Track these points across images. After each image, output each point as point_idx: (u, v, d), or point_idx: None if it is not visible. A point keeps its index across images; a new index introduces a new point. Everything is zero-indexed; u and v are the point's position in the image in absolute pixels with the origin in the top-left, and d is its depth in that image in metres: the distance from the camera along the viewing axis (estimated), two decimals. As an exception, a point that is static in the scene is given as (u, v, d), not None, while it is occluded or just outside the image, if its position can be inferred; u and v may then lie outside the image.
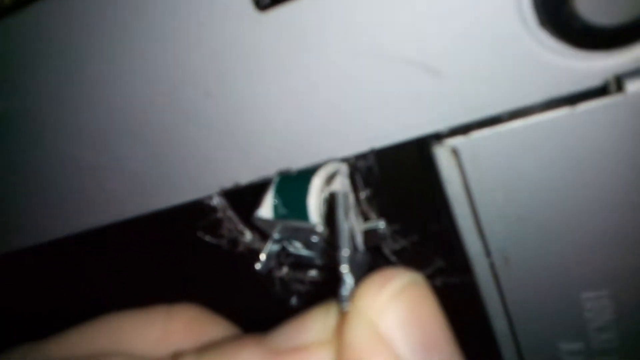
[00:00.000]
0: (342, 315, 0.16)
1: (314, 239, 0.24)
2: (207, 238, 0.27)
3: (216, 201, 0.26)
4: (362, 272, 0.18)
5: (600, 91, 0.20)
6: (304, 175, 0.25)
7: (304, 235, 0.24)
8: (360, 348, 0.14)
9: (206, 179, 0.24)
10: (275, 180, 0.26)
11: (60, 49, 0.22)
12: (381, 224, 0.24)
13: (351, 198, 0.25)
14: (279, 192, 0.25)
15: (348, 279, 0.17)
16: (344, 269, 0.17)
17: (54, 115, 0.24)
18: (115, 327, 0.20)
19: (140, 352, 0.20)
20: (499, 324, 0.27)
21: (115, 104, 0.23)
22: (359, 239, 0.23)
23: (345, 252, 0.19)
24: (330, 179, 0.25)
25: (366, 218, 0.25)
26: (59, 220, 0.27)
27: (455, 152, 0.22)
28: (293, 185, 0.25)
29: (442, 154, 0.22)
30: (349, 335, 0.15)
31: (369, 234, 0.25)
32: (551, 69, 0.20)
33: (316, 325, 0.17)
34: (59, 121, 0.24)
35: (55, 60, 0.22)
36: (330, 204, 0.23)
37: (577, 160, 0.22)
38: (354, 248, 0.21)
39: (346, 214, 0.21)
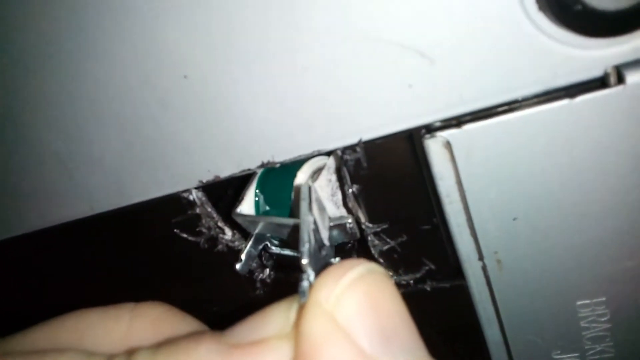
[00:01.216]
0: (301, 308, 0.15)
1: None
2: (184, 235, 0.25)
3: (194, 195, 0.24)
4: (326, 266, 0.17)
5: (600, 82, 0.20)
6: (288, 170, 0.24)
7: (288, 232, 0.23)
8: (316, 339, 0.14)
9: (184, 171, 0.23)
10: (258, 174, 0.24)
11: (27, 27, 0.21)
12: (349, 221, 0.23)
13: (317, 192, 0.23)
14: (261, 187, 0.24)
15: (307, 272, 0.16)
16: (304, 262, 0.17)
17: (18, 98, 0.22)
18: (80, 323, 0.19)
19: (103, 349, 0.18)
20: (491, 332, 0.26)
21: (86, 86, 0.21)
22: (325, 234, 0.21)
23: (305, 246, 0.18)
24: (315, 174, 0.24)
25: (353, 215, 0.24)
26: (22, 214, 0.25)
27: (448, 146, 0.21)
28: (276, 180, 0.24)
29: (434, 147, 0.21)
30: (305, 326, 0.14)
31: (337, 230, 0.23)
32: (550, 57, 0.19)
33: (276, 319, 0.16)
34: (23, 104, 0.22)
35: (21, 38, 0.21)
36: (295, 197, 0.22)
37: (575, 154, 0.21)
38: (319, 242, 0.20)
39: (309, 207, 0.20)
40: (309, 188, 0.21)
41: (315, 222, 0.20)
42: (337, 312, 0.14)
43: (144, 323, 0.19)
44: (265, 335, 0.15)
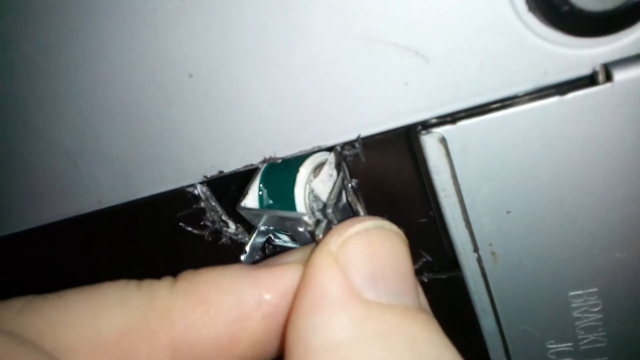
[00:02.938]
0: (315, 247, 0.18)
1: (301, 229, 0.24)
2: (189, 228, 0.26)
3: (199, 190, 0.25)
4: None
5: (589, 80, 0.20)
6: (291, 164, 0.24)
7: (291, 225, 0.24)
8: (316, 269, 0.16)
9: (189, 166, 0.24)
10: (261, 169, 0.25)
11: (38, 25, 0.22)
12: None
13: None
14: (265, 182, 0.25)
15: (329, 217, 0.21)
16: (329, 210, 0.22)
17: (29, 95, 0.23)
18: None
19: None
20: (487, 322, 0.26)
21: (95, 84, 0.22)
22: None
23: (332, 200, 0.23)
24: (317, 168, 0.25)
25: (352, 208, 0.25)
26: (30, 209, 0.26)
27: (443, 141, 0.22)
28: (279, 174, 0.25)
29: (430, 143, 0.22)
30: (311, 259, 0.17)
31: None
32: (540, 56, 0.20)
33: (296, 254, 0.19)
34: (32, 100, 0.23)
35: (32, 36, 0.22)
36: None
37: (566, 149, 0.21)
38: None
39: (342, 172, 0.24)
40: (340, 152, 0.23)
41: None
42: (339, 253, 0.17)
43: None
44: (281, 262, 0.19)
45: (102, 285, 0.18)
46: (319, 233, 0.21)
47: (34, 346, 0.15)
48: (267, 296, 0.18)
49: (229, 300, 0.18)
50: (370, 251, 0.17)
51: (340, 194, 0.24)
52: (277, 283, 0.18)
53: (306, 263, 0.17)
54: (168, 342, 0.17)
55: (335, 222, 0.22)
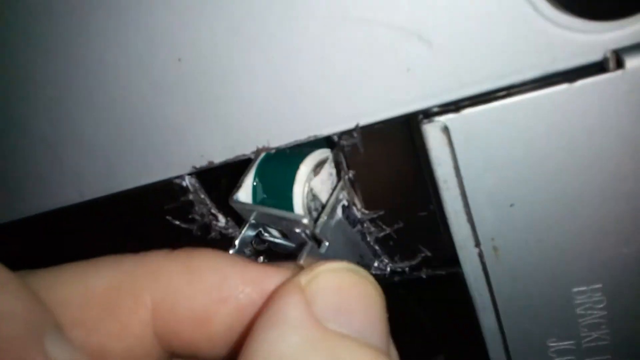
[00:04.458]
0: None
1: (297, 230, 0.23)
2: (177, 222, 0.25)
3: (187, 182, 0.24)
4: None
5: (599, 67, 0.19)
6: (290, 159, 0.23)
7: (287, 225, 0.23)
8: (281, 292, 0.17)
9: (177, 156, 0.23)
10: (256, 160, 0.24)
11: (16, 11, 0.20)
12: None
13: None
14: (260, 175, 0.24)
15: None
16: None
17: (6, 82, 0.22)
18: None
19: None
20: (487, 319, 0.26)
21: (76, 69, 0.21)
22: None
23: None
24: (317, 167, 0.24)
25: (350, 202, 0.24)
26: (10, 201, 0.25)
27: (446, 131, 0.21)
28: (277, 169, 0.24)
29: (432, 132, 0.21)
30: (280, 285, 0.17)
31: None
32: (549, 41, 0.19)
33: (289, 264, 0.19)
34: (10, 87, 0.22)
35: (10, 23, 0.20)
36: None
37: (573, 140, 0.20)
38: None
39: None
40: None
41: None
42: (307, 284, 0.17)
43: None
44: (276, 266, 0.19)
45: (102, 256, 0.19)
46: (299, 258, 0.21)
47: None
48: (248, 289, 0.18)
49: (214, 279, 0.18)
50: (338, 288, 0.17)
51: (334, 210, 0.23)
52: (261, 280, 0.18)
53: (275, 288, 0.18)
54: (150, 301, 0.18)
55: (326, 243, 0.22)
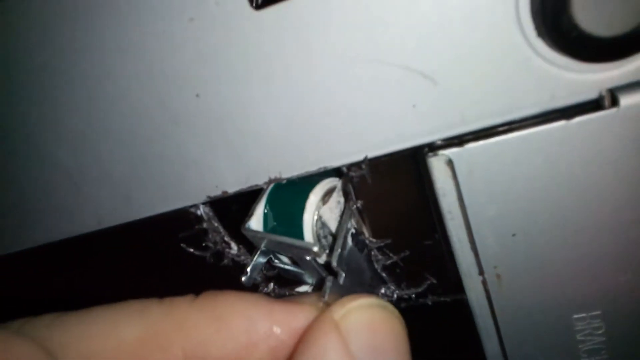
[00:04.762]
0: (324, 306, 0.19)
1: (308, 258, 0.23)
2: (191, 249, 0.26)
3: (202, 211, 0.25)
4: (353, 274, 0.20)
5: (595, 104, 0.20)
6: (299, 188, 0.24)
7: (297, 253, 0.24)
8: (318, 331, 0.17)
9: (192, 186, 0.24)
10: (267, 190, 0.25)
11: (42, 42, 0.21)
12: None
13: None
14: (271, 204, 0.25)
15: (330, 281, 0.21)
16: (334, 264, 0.21)
17: (29, 113, 0.23)
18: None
19: None
20: (491, 346, 0.26)
21: (98, 102, 0.22)
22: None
23: (337, 251, 0.22)
24: (326, 196, 0.25)
25: (358, 230, 0.25)
26: (30, 228, 0.25)
27: (450, 163, 0.22)
28: (287, 197, 0.24)
29: (437, 165, 0.22)
30: (315, 322, 0.18)
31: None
32: (548, 80, 0.20)
33: (311, 298, 0.20)
34: (33, 118, 0.23)
35: (36, 53, 0.21)
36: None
37: (571, 173, 0.21)
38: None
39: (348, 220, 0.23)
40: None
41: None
42: (341, 321, 0.17)
43: None
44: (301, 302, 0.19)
45: (126, 301, 0.19)
46: (323, 295, 0.21)
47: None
48: (278, 330, 0.18)
49: (241, 324, 0.18)
50: (371, 326, 0.17)
51: (346, 240, 0.24)
52: (289, 320, 0.18)
53: (309, 325, 0.18)
54: (181, 354, 0.18)
55: (343, 275, 0.22)
